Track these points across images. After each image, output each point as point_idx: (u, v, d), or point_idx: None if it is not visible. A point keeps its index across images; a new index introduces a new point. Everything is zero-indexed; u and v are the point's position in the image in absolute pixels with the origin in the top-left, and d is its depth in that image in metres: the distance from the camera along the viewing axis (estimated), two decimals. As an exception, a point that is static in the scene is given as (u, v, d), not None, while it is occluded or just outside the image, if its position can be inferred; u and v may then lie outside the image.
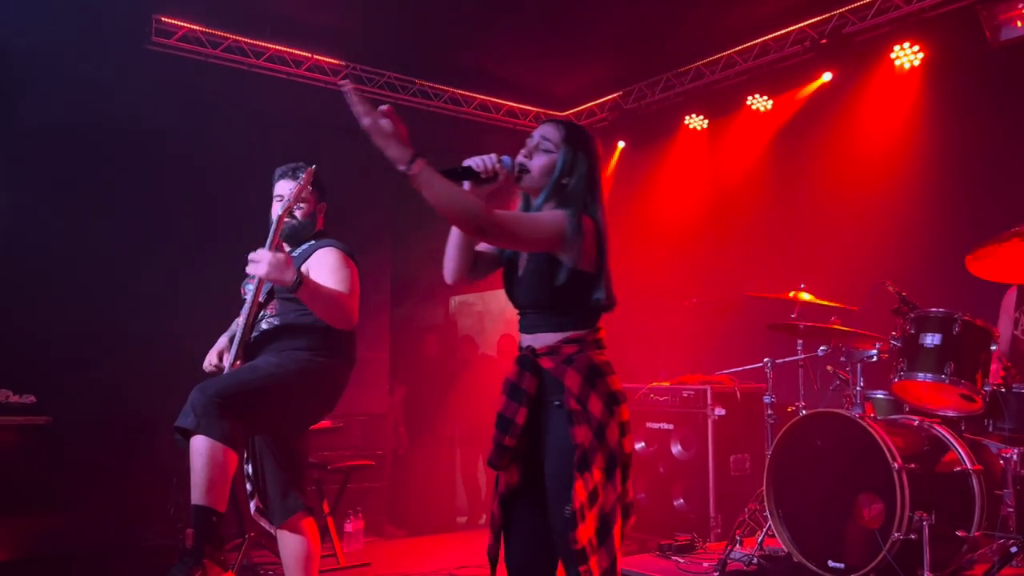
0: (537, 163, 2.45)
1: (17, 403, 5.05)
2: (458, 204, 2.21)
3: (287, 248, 3.44)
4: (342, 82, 2.16)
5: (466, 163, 2.37)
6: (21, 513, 4.97)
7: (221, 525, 2.95)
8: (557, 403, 2.35)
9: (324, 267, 3.30)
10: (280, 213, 3.30)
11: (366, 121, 2.11)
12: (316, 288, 3.12)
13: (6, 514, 4.90)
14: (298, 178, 3.38)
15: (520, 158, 2.47)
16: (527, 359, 2.40)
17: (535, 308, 2.44)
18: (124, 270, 5.65)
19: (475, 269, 2.55)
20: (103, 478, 5.30)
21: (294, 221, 3.41)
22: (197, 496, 2.88)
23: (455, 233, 2.48)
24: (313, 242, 3.45)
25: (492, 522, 2.47)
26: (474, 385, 8.10)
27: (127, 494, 5.38)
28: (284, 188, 3.47)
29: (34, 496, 5.10)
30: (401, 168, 2.15)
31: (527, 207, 2.53)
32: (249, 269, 3.08)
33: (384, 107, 2.17)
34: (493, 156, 2.39)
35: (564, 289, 2.36)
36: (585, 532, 2.21)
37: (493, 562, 2.46)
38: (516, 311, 2.52)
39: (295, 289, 3.06)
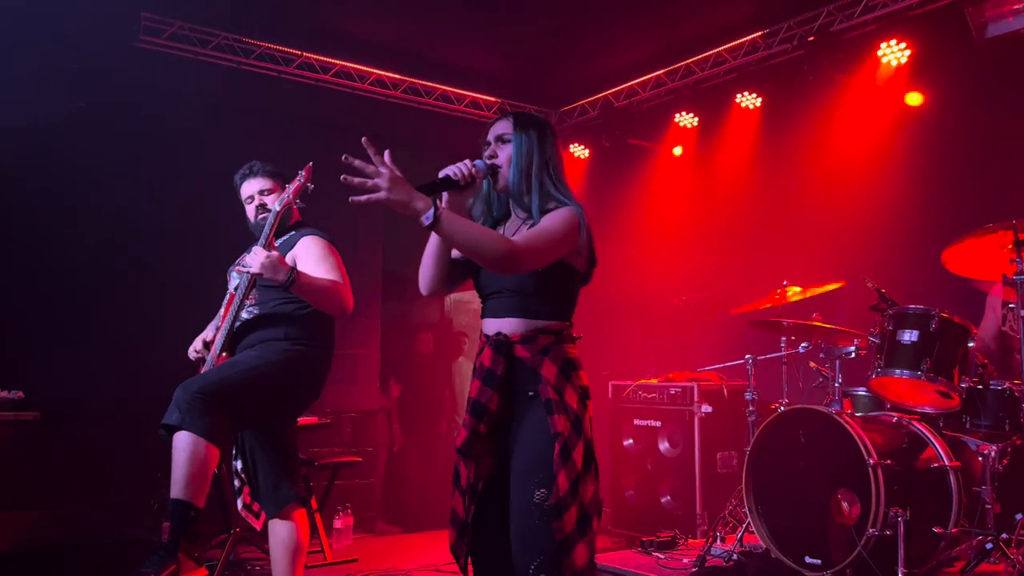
0: (504, 155, 2.39)
1: (6, 398, 5.07)
2: (486, 244, 2.18)
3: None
4: (364, 140, 2.11)
5: (442, 173, 2.31)
6: (10, 507, 5.00)
7: (198, 521, 2.98)
8: (532, 393, 2.27)
9: (311, 256, 3.35)
10: (278, 208, 3.33)
11: (382, 181, 2.06)
12: (310, 282, 3.20)
13: (-5, 508, 4.95)
14: (267, 174, 3.49)
15: (486, 157, 2.42)
16: (503, 344, 2.30)
17: (510, 294, 2.34)
18: (113, 265, 5.66)
19: (451, 279, 2.48)
20: (92, 473, 5.33)
21: (268, 215, 3.43)
22: (177, 491, 2.92)
23: (432, 244, 2.41)
24: (293, 232, 3.49)
25: (454, 518, 2.35)
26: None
27: (116, 489, 5.42)
28: (254, 187, 3.52)
29: (23, 491, 5.13)
30: (424, 222, 2.10)
31: (488, 208, 2.49)
32: (246, 261, 3.19)
33: (386, 153, 2.10)
34: (467, 161, 2.34)
35: (549, 279, 2.31)
36: (569, 522, 2.14)
37: (461, 559, 2.34)
38: (483, 295, 2.44)
39: (289, 287, 3.12)
